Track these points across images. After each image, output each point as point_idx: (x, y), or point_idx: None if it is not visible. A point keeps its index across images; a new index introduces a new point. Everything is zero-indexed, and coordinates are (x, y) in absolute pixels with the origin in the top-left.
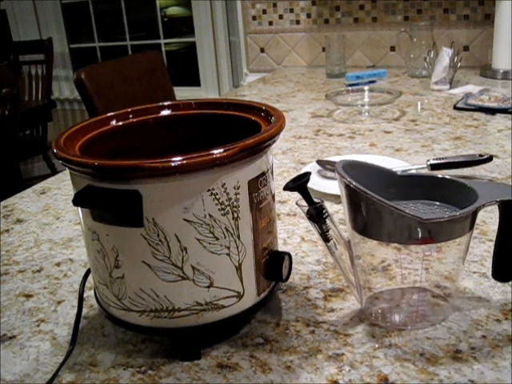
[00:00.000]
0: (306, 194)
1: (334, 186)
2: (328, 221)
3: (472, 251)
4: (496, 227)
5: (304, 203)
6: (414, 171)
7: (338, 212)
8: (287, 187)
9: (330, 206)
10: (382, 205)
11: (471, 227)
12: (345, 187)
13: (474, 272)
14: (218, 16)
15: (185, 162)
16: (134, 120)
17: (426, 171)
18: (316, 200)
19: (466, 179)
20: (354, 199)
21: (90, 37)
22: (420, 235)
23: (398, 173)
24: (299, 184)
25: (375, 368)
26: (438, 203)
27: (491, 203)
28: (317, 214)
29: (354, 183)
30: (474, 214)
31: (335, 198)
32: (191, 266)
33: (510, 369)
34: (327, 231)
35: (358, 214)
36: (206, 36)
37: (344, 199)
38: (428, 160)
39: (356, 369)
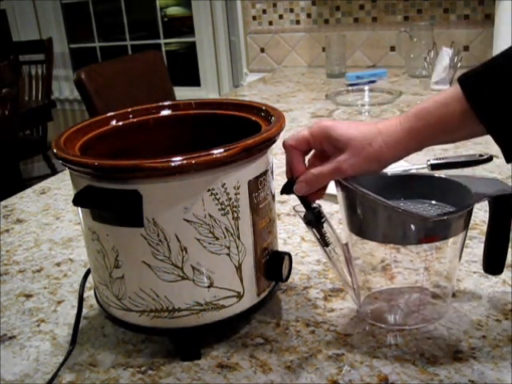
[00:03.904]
0: (302, 197)
1: (334, 186)
2: (326, 225)
3: (472, 251)
4: None
5: (301, 208)
6: (413, 171)
7: (338, 212)
8: (285, 190)
9: (329, 206)
10: (386, 206)
11: (467, 224)
12: (344, 190)
13: (474, 272)
14: (217, 16)
15: (185, 162)
16: (134, 120)
17: (426, 171)
18: (313, 205)
19: (458, 176)
20: (354, 201)
21: (90, 37)
22: (424, 234)
23: (389, 174)
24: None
25: (375, 368)
26: (434, 202)
27: (484, 199)
28: (315, 220)
29: (359, 188)
30: (470, 211)
31: (335, 198)
32: (191, 266)
33: (509, 369)
34: (325, 236)
35: (358, 217)
36: (206, 36)
37: (342, 202)
38: (428, 160)
39: (356, 369)
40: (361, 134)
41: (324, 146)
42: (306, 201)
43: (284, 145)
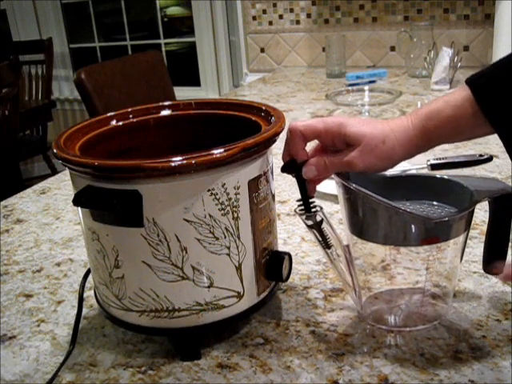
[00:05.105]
0: (302, 184)
1: (334, 186)
2: (327, 227)
3: (472, 251)
4: None
5: (303, 212)
6: (414, 171)
7: (338, 212)
8: (286, 169)
9: (330, 206)
10: (388, 207)
11: (469, 225)
12: (346, 191)
13: (474, 272)
14: (218, 16)
15: (185, 162)
16: (134, 120)
17: (426, 171)
18: (315, 208)
19: (458, 177)
20: (355, 202)
21: (90, 37)
22: (426, 235)
23: (388, 174)
24: (296, 167)
25: (375, 368)
26: (434, 203)
27: (485, 199)
28: (316, 222)
29: (361, 189)
30: (471, 211)
31: (335, 198)
32: (191, 266)
33: (510, 369)
34: (327, 238)
35: (359, 218)
36: (206, 36)
37: (343, 203)
38: (428, 160)
39: (356, 369)
40: (375, 131)
41: (335, 142)
42: (304, 185)
43: (291, 128)
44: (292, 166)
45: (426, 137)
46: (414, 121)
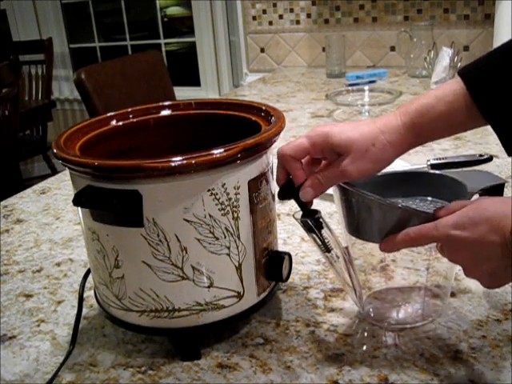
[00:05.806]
0: (301, 202)
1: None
2: (326, 230)
3: None
4: None
5: (301, 216)
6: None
7: (337, 212)
8: (284, 196)
9: (329, 206)
10: (385, 205)
11: None
12: (341, 192)
13: None
14: (218, 16)
15: (185, 162)
16: (134, 120)
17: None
18: (313, 211)
19: (451, 172)
20: (351, 203)
21: (90, 37)
22: None
23: (380, 173)
24: (293, 191)
25: (375, 368)
26: (429, 198)
27: (478, 192)
28: (315, 226)
29: (357, 189)
30: None
31: None
32: (191, 266)
33: (509, 369)
34: (326, 241)
35: (355, 218)
36: (206, 36)
37: (339, 204)
38: (428, 160)
39: (356, 369)
40: (362, 136)
41: (325, 154)
42: (304, 204)
43: (280, 154)
44: (288, 190)
45: (416, 133)
46: (404, 118)
